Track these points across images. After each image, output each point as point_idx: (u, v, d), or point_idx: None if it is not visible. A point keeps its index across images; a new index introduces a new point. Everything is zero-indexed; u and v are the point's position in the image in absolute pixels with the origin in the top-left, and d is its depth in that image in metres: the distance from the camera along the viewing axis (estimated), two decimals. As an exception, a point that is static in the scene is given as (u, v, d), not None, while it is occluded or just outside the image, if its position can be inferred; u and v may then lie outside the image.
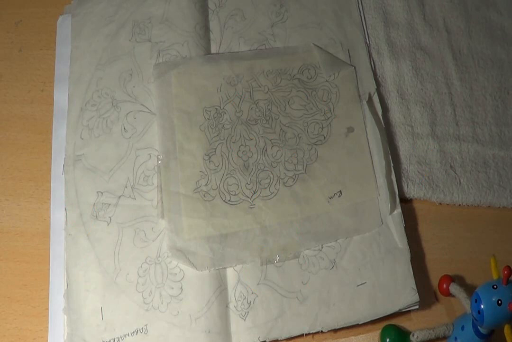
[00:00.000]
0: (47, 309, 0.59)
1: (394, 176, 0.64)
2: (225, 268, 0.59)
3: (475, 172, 0.67)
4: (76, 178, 0.62)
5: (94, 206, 0.61)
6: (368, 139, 0.64)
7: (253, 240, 0.60)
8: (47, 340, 0.58)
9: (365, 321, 0.59)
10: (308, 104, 0.65)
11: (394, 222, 0.62)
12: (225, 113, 0.64)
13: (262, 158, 0.63)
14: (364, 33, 0.71)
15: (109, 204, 0.61)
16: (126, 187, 0.61)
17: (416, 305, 0.60)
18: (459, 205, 0.66)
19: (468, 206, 0.66)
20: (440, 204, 0.66)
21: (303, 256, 0.60)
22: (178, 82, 0.65)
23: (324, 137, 0.64)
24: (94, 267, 0.59)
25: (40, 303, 0.60)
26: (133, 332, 0.57)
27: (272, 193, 0.61)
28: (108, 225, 0.60)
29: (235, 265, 0.59)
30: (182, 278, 0.58)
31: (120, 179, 0.62)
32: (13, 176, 0.65)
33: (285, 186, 0.62)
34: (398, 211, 0.62)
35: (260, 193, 0.61)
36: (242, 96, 0.65)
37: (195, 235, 0.59)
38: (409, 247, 0.61)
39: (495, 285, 0.52)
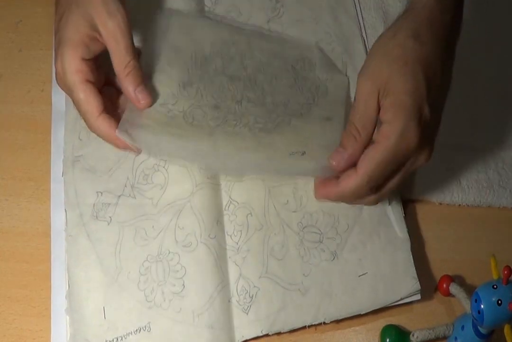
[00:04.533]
0: (47, 309, 0.59)
1: None
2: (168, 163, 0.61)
3: (475, 172, 0.67)
4: (75, 179, 0.62)
5: (94, 206, 0.61)
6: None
7: (204, 157, 0.59)
8: (47, 340, 0.58)
9: (368, 311, 0.59)
10: (294, 87, 0.64)
11: (394, 211, 0.62)
12: (212, 62, 0.63)
13: (235, 107, 0.61)
14: (360, 27, 0.71)
15: (109, 204, 0.61)
16: (125, 186, 0.61)
17: (417, 294, 0.60)
18: (459, 205, 0.66)
19: (468, 206, 0.66)
20: (440, 204, 0.66)
21: (304, 248, 0.60)
22: (176, 25, 0.65)
23: (301, 115, 0.63)
24: (95, 266, 0.59)
25: (40, 303, 0.59)
26: (136, 331, 0.57)
27: (235, 132, 0.60)
28: (108, 224, 0.60)
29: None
30: (184, 275, 0.58)
31: (120, 178, 0.62)
32: (13, 176, 0.65)
33: (250, 131, 0.60)
34: (397, 201, 0.63)
35: (224, 127, 0.60)
36: (233, 58, 0.64)
37: (148, 133, 0.58)
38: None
39: (495, 285, 0.52)
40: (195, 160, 0.60)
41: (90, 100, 0.55)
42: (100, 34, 0.56)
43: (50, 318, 0.58)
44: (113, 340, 0.57)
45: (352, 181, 0.55)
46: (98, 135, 0.58)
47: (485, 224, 0.65)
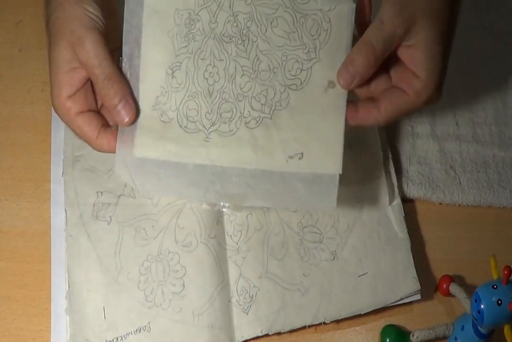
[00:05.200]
0: (47, 309, 0.59)
1: (392, 165, 0.64)
2: (165, 197, 0.60)
3: (475, 172, 0.67)
4: (75, 179, 0.62)
5: (94, 206, 0.61)
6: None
7: (201, 177, 0.55)
8: (47, 340, 0.58)
9: (367, 311, 0.59)
10: (293, 32, 0.55)
11: (394, 212, 0.62)
12: (198, 20, 0.55)
13: (229, 87, 0.55)
14: None
15: (109, 204, 0.61)
16: (125, 186, 0.61)
17: (417, 294, 0.60)
18: (459, 205, 0.66)
19: (468, 206, 0.66)
20: (440, 204, 0.66)
21: (304, 249, 0.60)
22: None
23: (301, 83, 0.55)
24: (95, 267, 0.59)
25: (40, 303, 0.59)
26: (136, 330, 0.57)
27: (231, 131, 0.55)
28: (108, 224, 0.60)
29: (178, 198, 0.59)
30: (184, 275, 0.58)
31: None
32: (13, 176, 0.65)
33: (247, 126, 0.55)
34: (397, 201, 0.63)
35: (219, 126, 0.55)
36: (220, 3, 0.55)
37: (144, 155, 0.55)
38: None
39: (495, 285, 0.52)
40: (195, 191, 0.56)
41: (85, 131, 0.54)
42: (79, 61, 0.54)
43: (50, 318, 0.58)
44: (113, 340, 0.57)
45: (372, 118, 0.54)
46: (104, 152, 0.56)
47: (485, 224, 0.65)
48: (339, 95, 0.55)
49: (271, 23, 0.55)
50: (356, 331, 0.60)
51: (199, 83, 0.55)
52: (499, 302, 0.52)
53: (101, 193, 0.61)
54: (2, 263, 0.61)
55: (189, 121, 0.55)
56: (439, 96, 0.55)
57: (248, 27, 0.55)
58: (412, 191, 0.65)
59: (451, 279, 0.61)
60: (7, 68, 0.70)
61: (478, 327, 0.55)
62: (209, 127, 0.55)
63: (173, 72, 0.55)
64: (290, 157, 0.55)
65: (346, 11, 0.55)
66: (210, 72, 0.55)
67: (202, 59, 0.55)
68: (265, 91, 0.55)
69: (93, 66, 0.53)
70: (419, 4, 0.52)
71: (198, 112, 0.55)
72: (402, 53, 0.54)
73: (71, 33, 0.53)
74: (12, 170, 0.65)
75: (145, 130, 0.55)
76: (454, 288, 0.60)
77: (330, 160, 0.55)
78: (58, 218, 0.61)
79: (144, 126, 0.55)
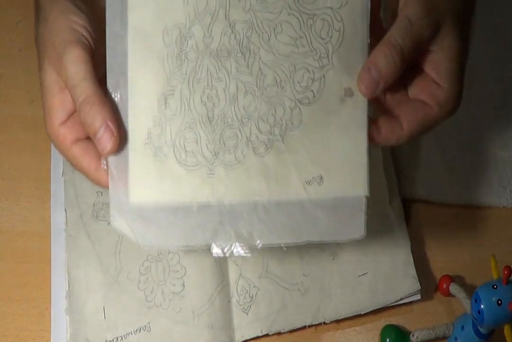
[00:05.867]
0: (47, 309, 0.59)
1: (392, 165, 0.64)
2: (171, 248, 0.54)
3: (475, 172, 0.67)
4: (75, 179, 0.62)
5: (94, 206, 0.61)
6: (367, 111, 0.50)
7: (207, 219, 0.49)
8: (47, 340, 0.58)
9: (367, 311, 0.59)
10: (301, 38, 0.49)
11: (394, 211, 0.62)
12: (190, 37, 0.48)
13: (231, 109, 0.49)
14: None
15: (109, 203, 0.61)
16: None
17: (417, 294, 0.60)
18: (459, 205, 0.66)
19: (468, 206, 0.66)
20: (440, 204, 0.66)
21: (304, 248, 0.59)
22: None
23: (314, 95, 0.49)
24: (95, 267, 0.59)
25: (40, 303, 0.59)
26: (136, 330, 0.57)
27: (237, 160, 0.49)
28: (108, 224, 0.60)
29: (184, 248, 0.52)
30: (184, 275, 0.59)
31: (120, 178, 0.61)
32: (13, 176, 0.65)
33: (255, 153, 0.49)
34: (397, 201, 0.63)
35: (223, 157, 0.49)
36: (214, 14, 0.48)
37: (141, 201, 0.49)
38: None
39: (495, 285, 0.52)
40: (202, 236, 0.49)
41: (80, 162, 0.49)
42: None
43: (50, 318, 0.58)
44: (113, 340, 0.57)
45: (395, 138, 0.49)
46: (103, 187, 0.50)
47: (485, 224, 0.65)
48: (359, 104, 0.49)
49: (274, 29, 0.49)
50: (356, 331, 0.60)
51: (196, 109, 0.49)
52: (499, 302, 0.52)
53: (101, 193, 0.61)
54: (2, 263, 0.61)
55: (188, 155, 0.49)
56: (459, 105, 0.51)
57: (248, 37, 0.49)
58: (412, 191, 0.65)
59: (451, 279, 0.61)
60: (7, 68, 0.69)
61: (478, 327, 0.55)
62: (212, 160, 0.49)
63: (166, 100, 0.49)
64: (308, 182, 0.49)
65: (360, 6, 0.49)
66: (208, 95, 0.49)
67: (198, 81, 0.49)
68: (273, 109, 0.49)
69: (71, 87, 0.46)
70: (445, 5, 0.48)
71: (197, 143, 0.49)
72: (424, 60, 0.49)
73: (53, 48, 0.47)
74: (12, 170, 0.65)
75: (138, 172, 0.48)
76: (454, 288, 0.60)
77: (354, 181, 0.49)
78: (58, 218, 0.61)
79: (137, 167, 0.48)
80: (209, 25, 0.49)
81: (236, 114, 0.49)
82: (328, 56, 0.49)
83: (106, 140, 0.46)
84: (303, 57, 0.49)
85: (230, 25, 0.49)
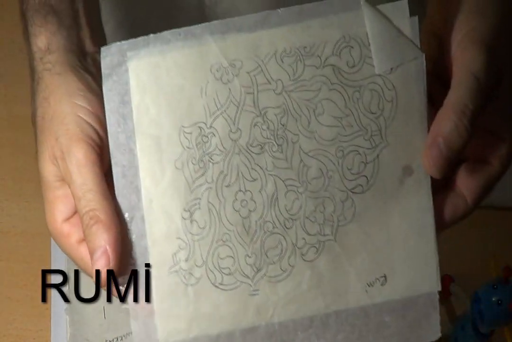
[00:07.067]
0: (48, 309, 0.59)
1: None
2: None
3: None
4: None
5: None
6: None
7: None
8: (47, 340, 0.58)
9: None
10: (347, 116, 0.41)
11: None
12: (213, 135, 0.41)
13: (271, 214, 0.41)
14: None
15: (109, 204, 0.60)
16: None
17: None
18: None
19: (468, 206, 0.66)
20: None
21: None
22: (139, 84, 0.41)
23: (367, 181, 0.41)
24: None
25: (40, 303, 0.59)
26: (136, 330, 0.57)
27: (284, 272, 0.41)
28: None
29: None
30: None
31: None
32: (13, 176, 0.65)
33: (304, 260, 0.41)
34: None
35: (267, 271, 0.41)
36: (240, 103, 0.41)
37: (174, 340, 0.41)
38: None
39: (495, 285, 0.52)
40: None
41: (90, 265, 0.41)
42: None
43: (50, 318, 0.58)
44: (113, 340, 0.57)
45: (461, 214, 0.42)
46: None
47: (485, 224, 0.66)
48: (421, 184, 0.41)
49: (314, 111, 0.41)
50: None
51: (229, 220, 0.41)
52: (499, 302, 0.52)
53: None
54: (2, 263, 0.61)
55: (225, 274, 0.41)
56: None
57: (283, 125, 0.41)
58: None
59: (451, 279, 0.61)
60: (7, 68, 0.70)
61: (478, 327, 0.55)
62: (254, 276, 0.41)
63: (191, 215, 0.41)
64: (370, 284, 0.41)
65: (413, 68, 0.41)
66: (242, 201, 0.41)
67: (227, 186, 0.41)
68: (321, 205, 0.41)
69: (75, 197, 0.40)
70: (505, 51, 0.40)
71: (234, 260, 0.41)
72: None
73: (54, 142, 0.41)
74: (12, 170, 0.65)
75: (167, 305, 0.41)
76: (454, 288, 0.60)
77: (423, 276, 0.42)
78: (58, 218, 0.61)
79: (164, 300, 0.41)
80: (235, 117, 0.41)
81: (277, 218, 0.41)
82: (380, 133, 0.41)
83: (100, 265, 0.39)
84: (352, 139, 0.41)
85: (260, 114, 0.41)
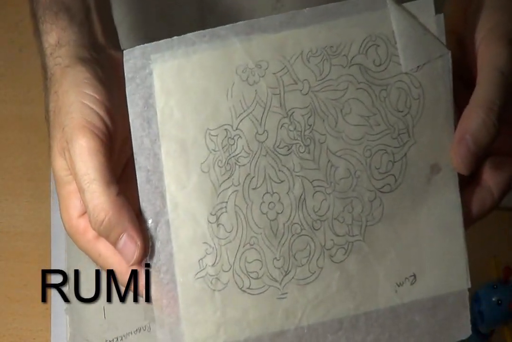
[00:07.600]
0: (48, 309, 0.59)
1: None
2: None
3: (475, 172, 0.67)
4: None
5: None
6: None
7: None
8: (47, 340, 0.58)
9: None
10: (374, 115, 0.41)
11: None
12: (240, 137, 0.41)
13: (298, 215, 0.41)
14: None
15: (109, 204, 0.60)
16: None
17: None
18: (459, 205, 0.66)
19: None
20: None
21: None
22: (163, 87, 0.40)
23: (395, 180, 0.41)
24: (95, 266, 0.59)
25: (40, 303, 0.60)
26: (136, 330, 0.57)
27: (312, 274, 0.41)
28: None
29: None
30: None
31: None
32: (13, 176, 0.65)
33: (332, 261, 0.41)
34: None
35: (295, 273, 0.41)
36: (266, 104, 0.41)
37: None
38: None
39: (495, 285, 0.52)
40: None
41: (110, 262, 0.41)
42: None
43: (50, 318, 0.58)
44: (113, 340, 0.57)
45: (488, 207, 0.42)
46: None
47: (485, 224, 0.65)
48: (449, 181, 0.41)
49: (341, 110, 0.41)
50: (356, 331, 0.60)
51: (257, 223, 0.41)
52: (499, 302, 0.52)
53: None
54: (2, 263, 0.61)
55: (252, 278, 0.41)
56: None
57: (310, 126, 0.41)
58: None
59: (451, 279, 0.61)
60: (7, 68, 0.70)
61: (478, 327, 0.55)
62: (282, 279, 0.41)
63: (217, 219, 0.41)
64: (399, 284, 0.41)
65: (440, 65, 0.41)
66: (270, 203, 0.41)
67: (254, 188, 0.41)
68: (349, 206, 0.41)
69: (79, 188, 0.39)
70: None
71: (262, 263, 0.41)
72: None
73: (61, 133, 0.40)
74: (12, 170, 0.65)
75: (193, 314, 0.41)
76: (454, 288, 0.60)
77: (453, 274, 0.42)
78: (58, 218, 0.61)
79: (191, 307, 0.41)
80: (261, 118, 0.41)
81: (305, 220, 0.41)
82: (408, 131, 0.41)
83: (128, 252, 0.39)
84: (379, 137, 0.41)
85: (287, 115, 0.41)
